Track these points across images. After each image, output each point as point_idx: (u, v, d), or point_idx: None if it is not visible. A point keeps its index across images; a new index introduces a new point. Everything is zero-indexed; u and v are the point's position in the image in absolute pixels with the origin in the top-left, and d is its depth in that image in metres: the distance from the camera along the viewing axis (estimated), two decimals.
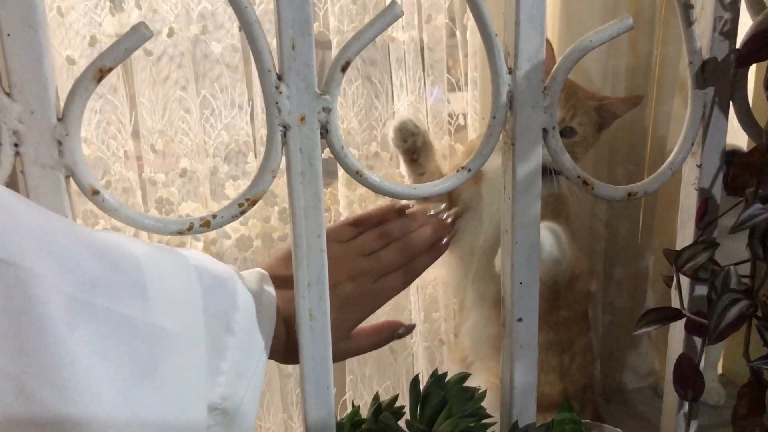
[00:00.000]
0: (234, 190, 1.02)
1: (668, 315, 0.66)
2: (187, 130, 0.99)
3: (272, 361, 1.07)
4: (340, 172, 1.09)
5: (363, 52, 1.04)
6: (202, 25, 0.95)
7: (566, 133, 0.92)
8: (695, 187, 0.66)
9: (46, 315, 0.37)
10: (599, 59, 1.02)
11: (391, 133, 0.97)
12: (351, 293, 0.63)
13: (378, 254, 0.66)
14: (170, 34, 0.93)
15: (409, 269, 0.68)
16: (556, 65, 0.59)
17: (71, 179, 0.51)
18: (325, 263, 0.57)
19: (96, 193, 0.51)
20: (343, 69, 0.54)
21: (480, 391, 0.65)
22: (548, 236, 0.89)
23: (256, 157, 1.03)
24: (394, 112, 1.09)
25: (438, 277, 1.15)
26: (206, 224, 0.54)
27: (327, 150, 1.06)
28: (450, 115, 1.11)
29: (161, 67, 0.96)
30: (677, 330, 0.71)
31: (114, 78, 0.94)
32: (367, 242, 0.66)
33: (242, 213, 0.55)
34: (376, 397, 0.72)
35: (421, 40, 1.08)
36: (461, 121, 1.12)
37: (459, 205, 1.00)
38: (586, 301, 1.02)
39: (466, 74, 1.10)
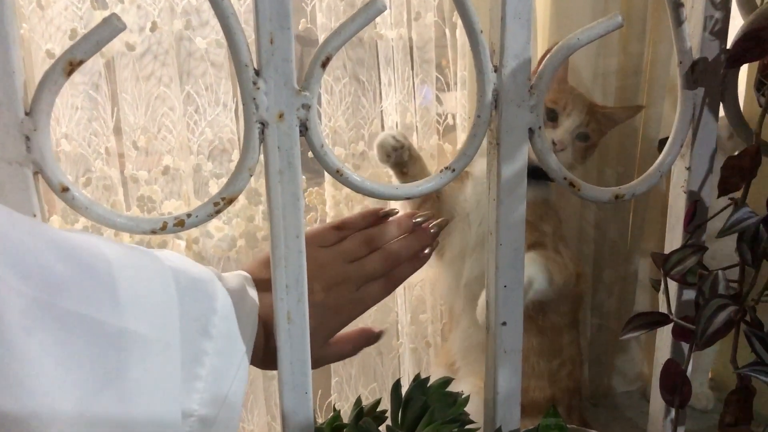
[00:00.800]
0: (218, 188, 1.00)
1: (655, 320, 0.64)
2: (171, 127, 0.97)
3: None
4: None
5: (351, 51, 1.03)
6: (186, 20, 0.93)
7: (582, 138, 0.96)
8: (684, 190, 0.65)
9: (0, 318, 0.36)
10: (590, 59, 1.01)
11: (374, 150, 0.97)
12: (333, 300, 0.62)
13: (362, 261, 0.65)
14: (153, 28, 0.92)
15: (391, 277, 0.67)
16: (543, 64, 0.58)
17: (39, 176, 0.49)
18: (303, 265, 0.55)
19: (65, 190, 0.49)
20: (324, 64, 0.52)
21: (463, 397, 0.63)
22: (536, 273, 0.88)
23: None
24: (381, 111, 1.07)
25: (425, 278, 1.14)
26: (180, 223, 0.52)
27: None
28: (439, 115, 1.10)
29: (144, 63, 0.94)
30: (665, 335, 0.69)
31: (96, 75, 0.92)
32: (351, 248, 0.65)
33: (218, 212, 0.53)
34: (358, 402, 0.71)
35: (410, 38, 1.06)
36: (450, 120, 1.11)
37: (446, 210, 0.99)
38: (578, 306, 1.01)
39: (455, 73, 1.09)
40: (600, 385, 1.20)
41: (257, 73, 0.51)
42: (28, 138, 0.48)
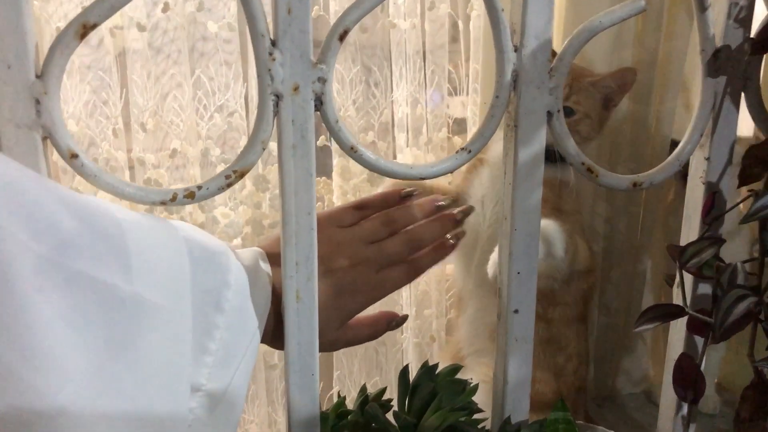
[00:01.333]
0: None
1: (670, 312, 0.63)
2: (179, 111, 0.96)
3: (258, 353, 1.05)
4: (335, 160, 1.06)
5: (363, 38, 1.02)
6: (199, 2, 0.92)
7: (564, 113, 0.90)
8: (702, 181, 0.64)
9: (12, 275, 0.35)
10: (605, 52, 1.00)
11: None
12: (351, 281, 0.59)
13: (382, 243, 0.62)
14: (165, 9, 0.91)
15: (414, 264, 0.63)
16: (564, 46, 0.56)
17: (48, 141, 0.48)
18: (314, 243, 0.54)
19: (74, 156, 0.48)
20: (341, 38, 0.51)
21: (472, 384, 0.62)
22: (555, 234, 0.87)
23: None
24: (392, 102, 1.06)
25: (431, 273, 1.12)
26: (190, 195, 0.51)
27: (321, 138, 1.04)
28: (449, 107, 1.09)
29: (155, 44, 0.93)
30: (678, 329, 0.68)
31: (106, 55, 0.91)
32: (370, 229, 0.62)
33: (229, 185, 0.52)
34: (363, 389, 0.70)
35: (423, 28, 1.05)
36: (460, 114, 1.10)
37: (463, 195, 0.98)
38: (587, 299, 1.00)
39: (468, 60, 1.08)
40: (604, 387, 1.18)
41: (273, 43, 0.50)
42: (38, 101, 0.47)
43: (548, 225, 0.88)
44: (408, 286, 1.13)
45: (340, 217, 0.62)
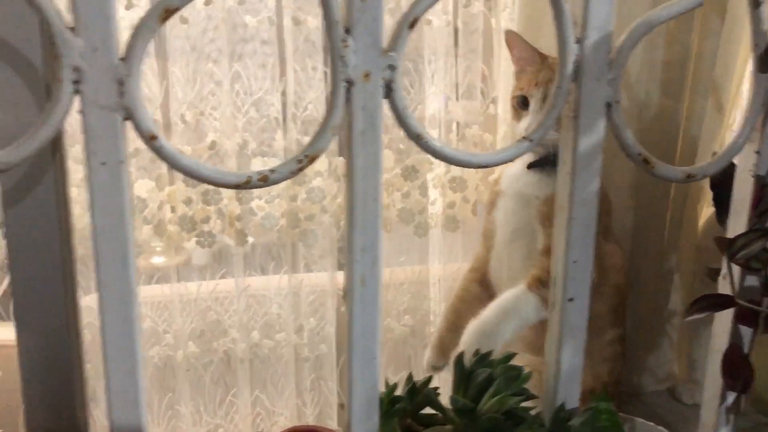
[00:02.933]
0: (262, 167, 1.00)
1: (720, 302, 0.64)
2: (217, 105, 0.97)
3: (290, 346, 1.05)
4: None
5: None
6: None
7: None
8: (752, 174, 0.65)
9: None
10: (637, 51, 1.00)
11: None
12: None
13: None
14: (207, 2, 0.92)
15: None
16: (622, 39, 0.58)
17: (128, 122, 0.49)
18: (380, 228, 0.55)
19: (154, 138, 0.49)
20: (411, 26, 0.52)
21: (525, 372, 0.63)
22: (522, 304, 0.87)
23: (284, 136, 1.01)
24: (424, 97, 1.07)
25: (460, 268, 1.13)
26: (264, 179, 0.52)
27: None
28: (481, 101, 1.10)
29: (195, 37, 0.94)
30: (723, 320, 0.69)
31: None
32: None
33: (300, 170, 0.53)
34: (410, 377, 0.71)
35: (456, 26, 1.06)
36: (491, 111, 1.11)
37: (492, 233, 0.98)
38: (621, 294, 1.00)
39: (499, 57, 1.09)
40: (629, 383, 1.19)
41: (347, 31, 0.51)
42: (121, 83, 0.48)
43: (508, 298, 0.89)
44: (437, 281, 1.14)
45: None
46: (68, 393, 0.63)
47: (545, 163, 0.89)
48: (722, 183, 0.85)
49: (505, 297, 0.89)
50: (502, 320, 0.86)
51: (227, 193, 0.98)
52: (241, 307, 1.05)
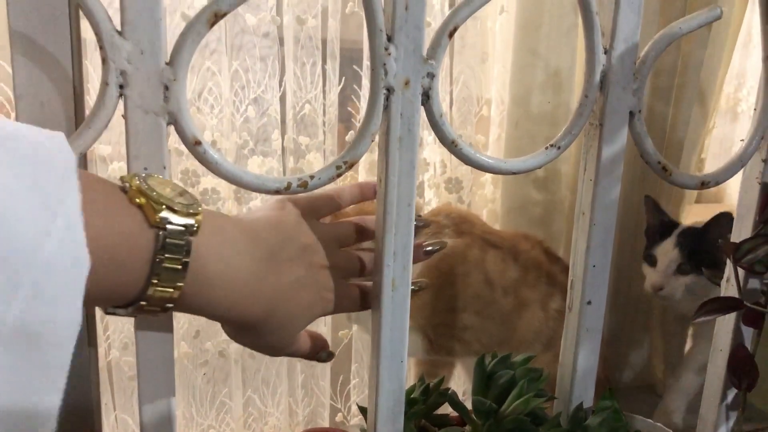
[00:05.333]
0: (258, 167, 1.00)
1: (728, 305, 0.67)
2: (214, 103, 0.96)
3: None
4: (363, 158, 1.07)
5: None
6: None
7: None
8: (759, 181, 0.68)
9: None
10: None
11: None
12: (324, 282, 0.54)
13: (351, 253, 0.57)
14: None
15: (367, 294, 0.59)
16: (645, 50, 0.59)
17: (172, 127, 0.49)
18: (412, 233, 0.56)
19: (198, 143, 0.49)
20: (451, 34, 0.53)
21: (546, 373, 0.64)
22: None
23: (282, 137, 1.01)
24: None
25: None
26: (303, 185, 0.52)
27: (350, 133, 1.05)
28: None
29: None
30: (726, 321, 0.72)
31: None
32: (345, 233, 0.58)
33: (339, 175, 0.53)
34: (422, 378, 0.72)
35: None
36: (485, 113, 1.12)
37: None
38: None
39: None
40: (611, 378, 1.23)
41: (389, 38, 0.51)
42: (166, 87, 0.47)
43: None
44: None
45: (319, 207, 0.57)
46: (85, 398, 0.62)
47: None
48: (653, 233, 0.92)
49: None
50: None
51: (226, 193, 0.98)
52: None
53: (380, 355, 0.58)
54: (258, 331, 0.50)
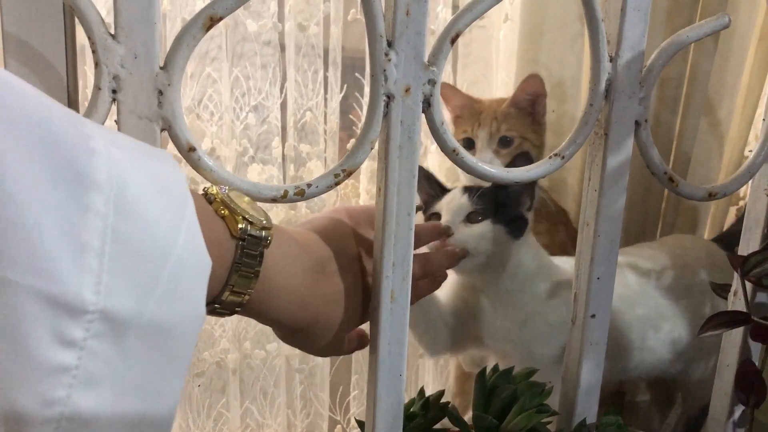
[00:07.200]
0: (258, 175, 0.99)
1: (735, 319, 0.65)
2: (214, 110, 0.95)
3: (282, 357, 1.03)
4: (364, 165, 1.06)
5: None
6: None
7: (504, 143, 0.98)
8: (766, 193, 0.66)
9: None
10: None
11: None
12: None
13: None
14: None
15: (416, 290, 0.59)
16: (652, 58, 0.58)
17: (166, 133, 0.48)
18: (411, 243, 0.54)
19: (192, 149, 0.48)
20: (453, 41, 0.52)
21: (548, 387, 0.63)
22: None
23: (282, 144, 1.00)
24: None
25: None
26: (300, 193, 0.51)
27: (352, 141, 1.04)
28: None
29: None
30: (733, 336, 0.70)
31: None
32: None
33: (337, 184, 0.52)
34: (422, 392, 0.70)
35: None
36: None
37: None
38: None
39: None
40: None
41: (390, 44, 0.50)
42: (161, 92, 0.46)
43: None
44: None
45: (373, 216, 0.57)
46: None
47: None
48: None
49: None
50: None
51: None
52: (233, 317, 1.03)
53: (378, 369, 0.56)
54: (306, 335, 0.53)
